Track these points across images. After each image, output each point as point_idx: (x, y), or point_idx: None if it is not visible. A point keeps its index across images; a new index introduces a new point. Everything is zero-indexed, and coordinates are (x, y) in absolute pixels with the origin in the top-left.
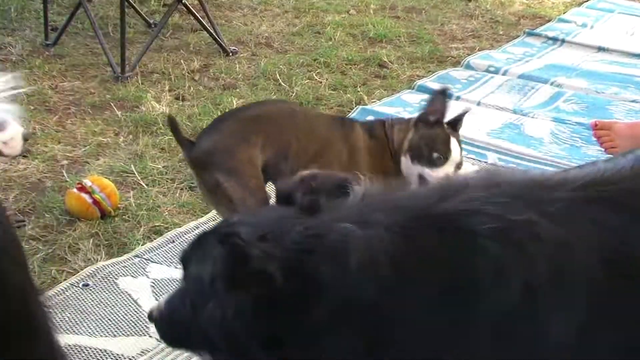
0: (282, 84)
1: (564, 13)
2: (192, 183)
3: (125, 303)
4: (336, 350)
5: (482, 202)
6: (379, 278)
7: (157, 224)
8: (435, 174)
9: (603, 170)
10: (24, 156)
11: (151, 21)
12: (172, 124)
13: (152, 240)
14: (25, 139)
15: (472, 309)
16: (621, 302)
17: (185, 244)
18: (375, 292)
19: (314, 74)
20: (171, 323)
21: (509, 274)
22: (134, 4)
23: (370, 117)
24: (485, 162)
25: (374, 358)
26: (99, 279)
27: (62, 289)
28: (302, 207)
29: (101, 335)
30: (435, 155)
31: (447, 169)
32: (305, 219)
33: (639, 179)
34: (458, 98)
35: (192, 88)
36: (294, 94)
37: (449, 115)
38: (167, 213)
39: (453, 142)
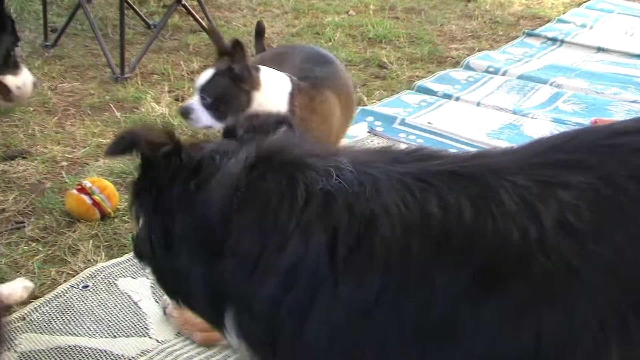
0: None
1: (563, 14)
2: None
3: (126, 304)
4: (185, 258)
5: (339, 168)
6: (224, 203)
7: None
8: None
9: (498, 149)
10: (24, 157)
11: (150, 22)
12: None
13: None
14: (35, 86)
15: (278, 253)
16: (423, 271)
17: None
18: (219, 212)
19: None
20: None
21: (317, 232)
22: (134, 5)
23: (370, 118)
24: None
25: (214, 265)
26: (98, 280)
27: (62, 291)
28: (240, 140)
29: (101, 337)
30: None
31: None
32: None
33: (510, 157)
34: (458, 99)
35: (191, 89)
36: None
37: None
38: None
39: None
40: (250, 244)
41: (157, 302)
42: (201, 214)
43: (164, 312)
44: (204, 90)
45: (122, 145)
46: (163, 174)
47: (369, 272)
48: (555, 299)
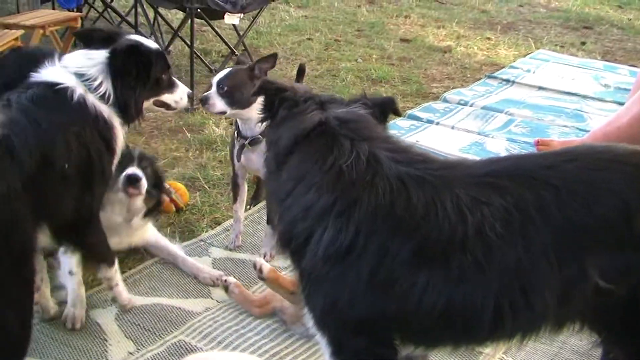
0: None
1: (513, 62)
2: None
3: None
4: (269, 155)
5: (358, 154)
6: (291, 141)
7: (216, 216)
8: None
9: (462, 161)
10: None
11: (212, 67)
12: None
13: (213, 229)
14: (190, 97)
15: (304, 194)
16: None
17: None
18: (289, 143)
19: None
20: None
21: (326, 193)
22: (200, 56)
23: None
24: None
25: (276, 172)
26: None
27: (148, 265)
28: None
29: (177, 297)
30: None
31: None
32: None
33: (447, 167)
34: (438, 123)
35: None
36: None
37: None
38: (224, 208)
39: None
40: (291, 179)
41: None
42: (281, 139)
43: (226, 291)
44: (222, 81)
45: (257, 90)
46: (274, 101)
47: (348, 227)
48: (463, 281)
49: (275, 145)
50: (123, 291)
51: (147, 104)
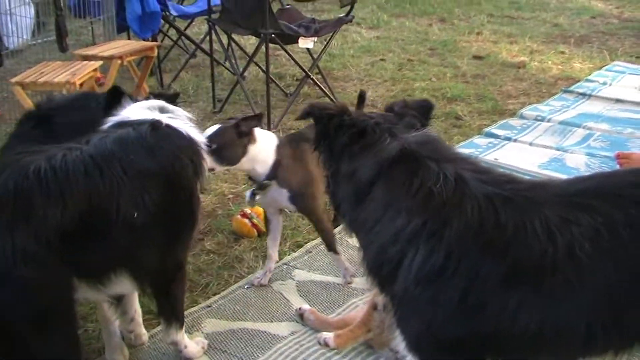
0: None
1: (589, 75)
2: None
3: (278, 298)
4: (342, 190)
5: (445, 175)
6: (374, 172)
7: (298, 240)
8: None
9: (548, 182)
10: (202, 192)
11: (288, 92)
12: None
13: (295, 252)
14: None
15: (392, 220)
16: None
17: (320, 254)
18: (370, 176)
19: None
20: None
21: (416, 216)
22: (275, 80)
23: None
24: None
25: (356, 206)
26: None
27: (232, 289)
28: (396, 114)
29: (262, 321)
30: None
31: None
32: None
33: (534, 188)
34: (515, 140)
35: None
36: None
37: None
38: (305, 231)
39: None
40: (379, 207)
41: (301, 297)
42: (360, 171)
43: (301, 318)
44: (211, 139)
45: (302, 114)
46: (330, 128)
47: (439, 249)
48: (555, 302)
49: (351, 178)
50: (193, 348)
51: None
